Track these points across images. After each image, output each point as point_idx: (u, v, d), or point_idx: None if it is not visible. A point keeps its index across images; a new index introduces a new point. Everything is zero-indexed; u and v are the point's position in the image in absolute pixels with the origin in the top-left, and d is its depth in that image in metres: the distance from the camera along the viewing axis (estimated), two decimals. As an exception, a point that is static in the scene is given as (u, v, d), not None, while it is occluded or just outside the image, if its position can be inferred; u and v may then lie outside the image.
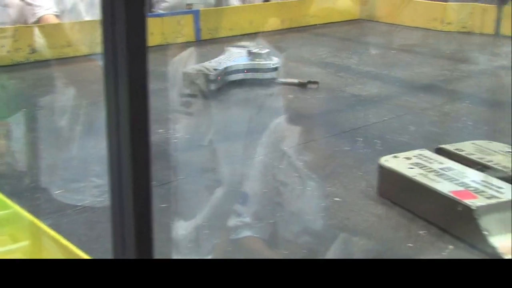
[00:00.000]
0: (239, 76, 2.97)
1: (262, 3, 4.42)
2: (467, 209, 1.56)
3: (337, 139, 2.35)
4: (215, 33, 4.01)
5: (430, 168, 1.78)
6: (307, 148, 2.26)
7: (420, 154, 1.89)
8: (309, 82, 2.98)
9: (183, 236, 1.67)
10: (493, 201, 1.58)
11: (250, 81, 2.97)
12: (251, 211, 1.79)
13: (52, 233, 1.33)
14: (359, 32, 4.39)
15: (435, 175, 1.74)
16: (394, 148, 2.23)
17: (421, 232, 1.68)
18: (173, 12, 3.96)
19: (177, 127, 2.46)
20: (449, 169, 1.77)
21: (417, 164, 1.81)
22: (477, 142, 2.01)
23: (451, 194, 1.62)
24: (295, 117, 2.65)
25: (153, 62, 3.00)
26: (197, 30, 3.92)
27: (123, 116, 0.77)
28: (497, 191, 1.63)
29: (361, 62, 3.50)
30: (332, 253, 1.59)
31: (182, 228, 1.71)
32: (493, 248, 1.51)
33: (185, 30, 3.86)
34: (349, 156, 2.18)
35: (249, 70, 2.97)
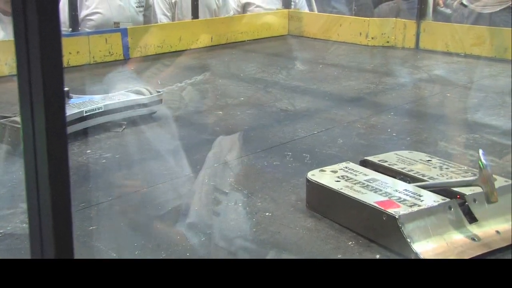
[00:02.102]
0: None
1: (191, 20, 4.42)
2: (391, 218, 1.61)
3: (267, 154, 2.36)
4: (144, 50, 3.97)
5: (356, 180, 1.82)
6: (237, 164, 2.26)
7: (346, 167, 1.92)
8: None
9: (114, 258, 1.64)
10: (415, 209, 1.63)
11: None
12: (182, 230, 1.77)
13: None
14: (288, 47, 4.46)
15: (360, 186, 1.78)
16: (323, 161, 2.27)
17: (349, 243, 1.70)
18: (100, 30, 3.90)
19: (106, 147, 2.41)
20: (374, 180, 1.82)
21: (343, 177, 1.85)
22: (399, 152, 2.07)
23: (376, 205, 1.67)
24: (225, 134, 2.65)
25: (79, 81, 2.92)
26: (126, 48, 3.88)
27: (39, 135, 0.77)
28: (418, 199, 1.68)
29: (289, 77, 3.55)
30: None
31: (112, 250, 1.68)
32: (415, 254, 1.55)
33: (113, 48, 3.81)
34: (279, 171, 2.20)
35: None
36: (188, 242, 1.70)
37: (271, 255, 1.65)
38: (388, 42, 4.37)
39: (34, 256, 0.81)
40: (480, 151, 1.62)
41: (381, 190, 1.75)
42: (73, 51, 3.54)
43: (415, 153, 2.06)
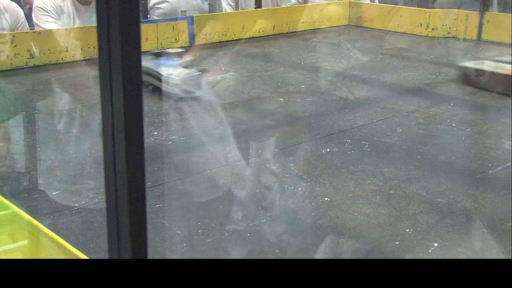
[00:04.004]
0: None
1: (254, 9, 4.50)
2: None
3: (327, 140, 2.41)
4: (208, 38, 4.08)
5: None
6: (298, 149, 2.32)
7: None
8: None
9: (178, 235, 1.71)
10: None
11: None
12: (243, 211, 1.84)
13: (50, 233, 1.36)
14: (348, 37, 4.46)
15: None
16: (382, 149, 2.30)
17: (407, 230, 1.74)
18: (168, 18, 4.02)
19: (171, 129, 2.50)
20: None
21: None
22: None
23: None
24: (287, 120, 2.71)
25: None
26: (191, 36, 3.99)
27: (117, 118, 0.79)
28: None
29: (349, 66, 3.56)
30: (321, 252, 1.65)
31: (176, 227, 1.76)
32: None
33: (180, 35, 3.93)
34: (338, 157, 2.25)
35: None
36: (249, 223, 1.77)
37: (329, 239, 1.70)
38: (449, 33, 4.32)
39: (111, 256, 0.84)
40: None
41: None
42: (142, 38, 3.67)
43: None
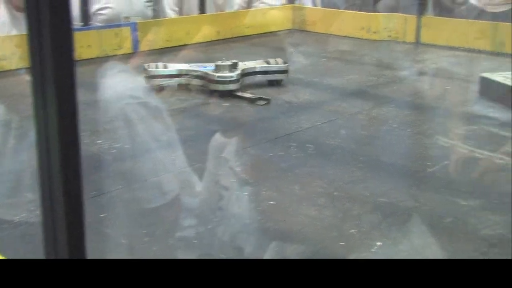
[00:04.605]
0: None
1: (198, 15, 4.49)
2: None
3: (272, 144, 2.44)
4: (153, 44, 4.05)
5: None
6: (244, 154, 2.34)
7: None
8: (260, 98, 3.02)
9: (123, 245, 1.71)
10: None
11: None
12: (190, 218, 1.84)
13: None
14: (292, 41, 4.51)
15: None
16: (326, 152, 2.34)
17: (351, 231, 1.77)
18: (110, 24, 3.97)
19: (115, 137, 2.48)
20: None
21: None
22: None
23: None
24: (232, 125, 2.72)
25: (92, 74, 2.97)
26: (135, 42, 3.96)
27: (51, 126, 0.78)
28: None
29: (293, 70, 3.60)
30: (268, 255, 1.66)
31: (121, 236, 1.75)
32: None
33: (123, 42, 3.89)
34: (283, 161, 2.27)
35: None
36: (195, 229, 1.78)
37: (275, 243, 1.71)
38: (389, 36, 4.43)
39: (48, 256, 0.82)
40: None
41: None
42: (84, 45, 3.62)
43: None
